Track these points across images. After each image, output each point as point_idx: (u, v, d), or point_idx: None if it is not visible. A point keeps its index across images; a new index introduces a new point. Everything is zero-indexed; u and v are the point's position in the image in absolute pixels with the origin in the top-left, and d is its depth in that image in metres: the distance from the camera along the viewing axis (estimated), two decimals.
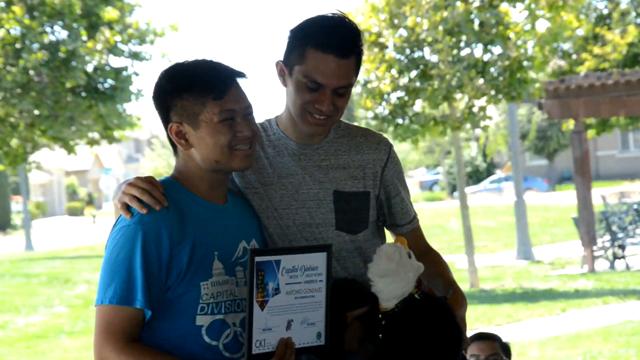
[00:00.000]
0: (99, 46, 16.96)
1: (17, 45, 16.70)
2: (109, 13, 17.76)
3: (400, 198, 3.13)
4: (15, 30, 16.68)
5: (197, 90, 2.70)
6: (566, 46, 22.71)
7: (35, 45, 16.85)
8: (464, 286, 17.51)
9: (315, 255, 2.69)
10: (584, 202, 17.90)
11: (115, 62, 20.19)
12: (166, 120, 2.78)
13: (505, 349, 4.48)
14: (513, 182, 21.90)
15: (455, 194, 46.08)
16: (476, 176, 52.51)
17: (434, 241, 26.53)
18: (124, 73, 18.41)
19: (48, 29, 17.49)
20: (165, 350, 2.63)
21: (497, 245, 24.57)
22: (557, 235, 25.18)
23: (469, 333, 4.82)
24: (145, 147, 66.75)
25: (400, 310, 2.75)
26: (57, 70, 16.78)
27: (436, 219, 30.61)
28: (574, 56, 22.49)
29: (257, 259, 2.57)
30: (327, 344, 2.70)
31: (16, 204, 49.44)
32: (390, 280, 2.75)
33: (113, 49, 18.50)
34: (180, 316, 2.66)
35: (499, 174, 51.03)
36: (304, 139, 3.01)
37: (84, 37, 17.16)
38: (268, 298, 2.59)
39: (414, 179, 72.49)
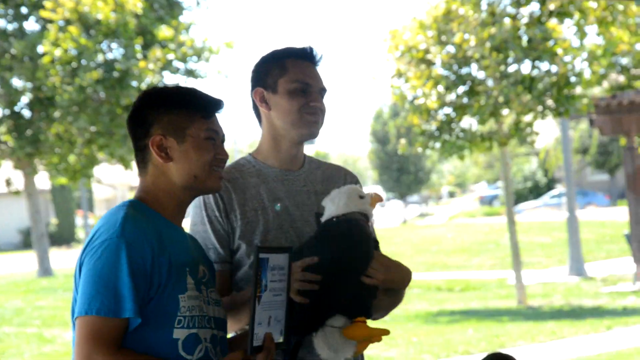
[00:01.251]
0: (151, 65, 17.25)
1: (74, 64, 17.06)
2: (163, 32, 18.05)
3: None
4: (72, 50, 17.04)
5: (187, 107, 2.83)
6: (625, 61, 22.50)
7: (92, 64, 17.17)
8: (511, 303, 17.47)
9: (283, 256, 2.82)
10: (636, 218, 17.71)
11: (170, 79, 20.53)
12: (145, 134, 2.83)
13: None
14: (566, 197, 21.72)
15: (516, 209, 45.76)
16: (536, 191, 51.99)
17: (487, 257, 26.51)
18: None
19: (105, 48, 17.82)
20: None
21: (550, 262, 24.37)
22: (612, 252, 24.90)
23: (498, 350, 4.89)
24: None
25: (318, 228, 2.98)
26: (112, 88, 17.11)
27: (491, 234, 30.42)
28: (632, 71, 22.26)
29: (261, 255, 2.71)
30: (284, 343, 2.82)
31: (81, 219, 50.21)
32: (329, 203, 2.98)
33: (168, 67, 18.80)
34: (159, 328, 2.70)
35: (559, 188, 50.48)
36: (286, 165, 3.22)
37: (139, 55, 17.45)
38: (261, 294, 2.72)
39: (474, 194, 72.07)
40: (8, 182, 19.48)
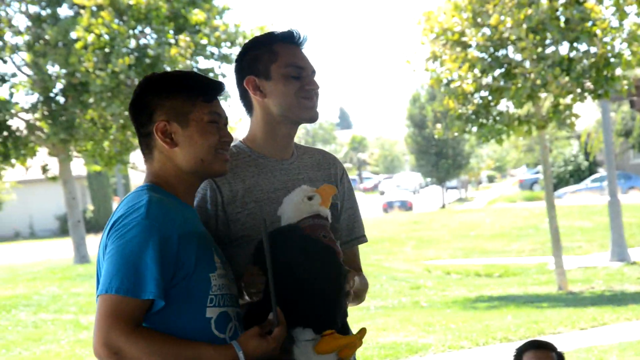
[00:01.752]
0: (183, 50, 17.16)
1: (106, 50, 17.02)
2: (196, 16, 17.95)
3: (353, 210, 3.30)
4: (105, 35, 17.01)
5: (188, 91, 2.84)
6: None
7: (124, 50, 17.13)
8: (551, 288, 17.23)
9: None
10: None
11: (204, 64, 20.43)
12: (148, 121, 2.84)
13: (561, 359, 4.38)
14: (608, 181, 21.39)
15: (556, 193, 45.26)
16: (578, 175, 51.42)
17: (526, 242, 26.24)
18: (210, 75, 18.63)
19: (137, 33, 17.77)
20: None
21: (591, 247, 24.05)
22: None
23: (533, 338, 4.73)
24: None
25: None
26: (144, 74, 17.03)
27: (530, 219, 30.09)
28: None
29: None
30: (276, 319, 2.79)
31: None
32: (286, 210, 2.94)
33: (202, 52, 18.71)
34: (192, 308, 2.72)
35: (601, 172, 49.89)
36: (280, 154, 3.19)
37: (171, 40, 17.39)
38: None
39: (514, 178, 71.54)
40: (44, 169, 19.54)
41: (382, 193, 61.67)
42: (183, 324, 2.70)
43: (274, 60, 3.10)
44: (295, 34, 3.17)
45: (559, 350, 4.42)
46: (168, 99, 2.83)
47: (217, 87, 2.90)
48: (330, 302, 2.86)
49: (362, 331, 2.90)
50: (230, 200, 3.07)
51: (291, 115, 3.13)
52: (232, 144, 3.17)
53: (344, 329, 2.97)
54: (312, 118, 3.17)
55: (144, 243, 2.63)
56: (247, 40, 15.92)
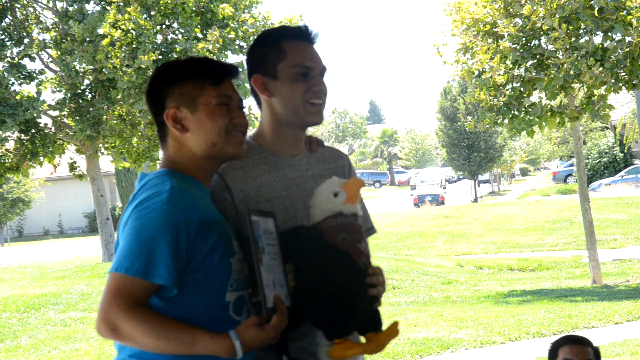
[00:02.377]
0: (210, 45, 17.05)
1: (133, 46, 16.96)
2: (224, 10, 17.85)
3: (362, 204, 3.20)
4: (131, 31, 16.95)
5: (196, 76, 2.86)
6: None
7: (151, 46, 17.06)
8: (586, 282, 16.99)
9: (270, 220, 2.86)
10: None
11: (233, 59, 20.31)
12: (161, 109, 2.88)
13: (597, 353, 4.29)
14: None
15: (591, 185, 44.81)
16: (613, 166, 50.90)
17: (560, 235, 25.97)
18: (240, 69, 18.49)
19: (164, 28, 17.71)
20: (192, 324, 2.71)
21: (627, 240, 23.76)
22: None
23: (568, 333, 4.60)
24: None
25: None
26: None
27: (564, 212, 29.78)
28: None
29: (253, 217, 2.74)
30: (292, 306, 2.80)
31: None
32: (314, 204, 2.93)
33: (230, 45, 18.61)
34: (212, 293, 2.76)
35: (637, 163, 49.34)
36: (290, 151, 3.15)
37: (199, 35, 17.32)
38: (261, 256, 2.73)
39: (548, 171, 71.06)
40: (72, 166, 19.54)
41: (413, 188, 61.54)
42: (203, 309, 2.74)
43: (281, 59, 3.04)
44: (305, 30, 3.10)
45: (594, 345, 4.31)
46: (177, 85, 2.86)
47: (225, 70, 2.90)
48: (340, 310, 2.82)
49: (381, 337, 2.86)
50: (241, 199, 3.03)
51: (296, 119, 3.08)
52: None
53: (370, 327, 2.90)
54: (317, 121, 3.11)
55: (163, 228, 2.65)
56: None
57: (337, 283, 2.81)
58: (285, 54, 3.03)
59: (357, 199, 2.91)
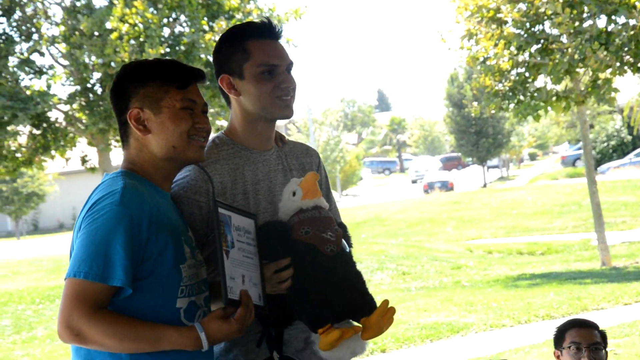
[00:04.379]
0: (217, 37, 17.12)
1: (141, 39, 17.04)
2: (230, 1, 17.91)
3: (330, 199, 3.29)
4: (139, 25, 17.02)
5: (162, 78, 2.85)
6: None
7: (159, 39, 17.13)
8: (595, 264, 17.08)
9: (248, 221, 2.93)
10: None
11: None
12: (125, 108, 2.87)
13: (604, 337, 4.35)
14: None
15: (600, 168, 44.76)
16: (621, 149, 50.82)
17: (569, 219, 26.04)
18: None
19: (171, 21, 17.77)
20: None
21: (636, 221, 23.83)
22: None
23: (576, 316, 4.71)
24: (282, 132, 67.35)
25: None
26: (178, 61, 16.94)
27: (572, 195, 29.83)
28: None
29: (221, 210, 2.78)
30: (265, 307, 2.85)
31: None
32: (280, 207, 3.05)
33: None
34: (163, 299, 2.75)
35: None
36: (262, 146, 3.20)
37: (205, 27, 17.37)
38: (229, 249, 2.77)
39: (556, 155, 70.88)
40: (83, 160, 19.63)
41: (414, 182, 61.68)
42: (153, 314, 2.72)
43: (246, 59, 3.09)
44: (269, 26, 3.13)
45: (601, 328, 4.38)
46: (142, 86, 2.85)
47: (192, 74, 2.89)
48: (314, 300, 2.88)
49: (372, 319, 2.89)
50: (220, 191, 3.08)
51: (266, 114, 3.13)
52: (215, 136, 3.20)
53: (360, 312, 2.94)
54: (287, 116, 3.17)
55: (115, 229, 2.65)
56: (285, 23, 15.55)
57: (305, 275, 2.88)
58: (250, 54, 3.08)
59: (315, 192, 2.99)
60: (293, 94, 3.15)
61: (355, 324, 2.95)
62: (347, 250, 3.01)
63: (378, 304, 2.95)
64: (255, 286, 2.84)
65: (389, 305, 2.93)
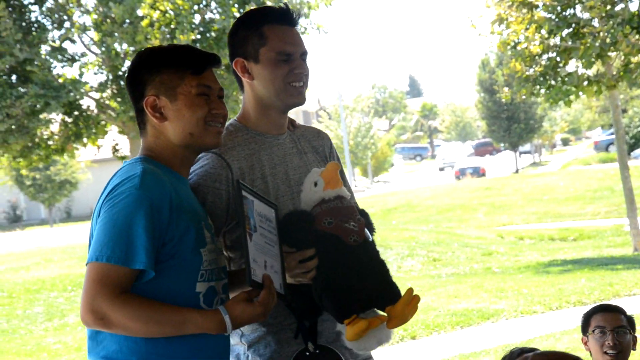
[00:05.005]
0: None
1: (172, 26, 17.09)
2: None
3: (345, 183, 3.22)
4: (170, 11, 17.08)
5: (177, 65, 2.85)
6: None
7: (189, 25, 17.17)
8: (627, 250, 16.96)
9: (269, 209, 2.93)
10: None
11: None
12: (141, 96, 2.87)
13: (631, 321, 4.33)
14: None
15: (633, 154, 44.41)
16: None
17: (601, 204, 25.86)
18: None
19: (202, 8, 17.80)
20: None
21: None
22: None
23: (608, 302, 4.69)
24: (314, 119, 67.47)
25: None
26: (209, 49, 17.07)
27: (605, 181, 29.63)
28: None
29: (244, 193, 2.78)
30: (287, 295, 2.85)
31: None
32: (302, 197, 3.03)
33: None
34: (183, 282, 2.75)
35: None
36: (275, 131, 3.21)
37: (236, 14, 17.38)
38: (252, 232, 2.76)
39: (589, 140, 70.36)
40: (115, 149, 19.73)
41: (441, 169, 61.40)
42: (173, 297, 2.72)
43: (263, 43, 3.08)
44: (287, 13, 3.12)
45: (628, 314, 4.35)
46: (158, 73, 2.85)
47: (207, 60, 2.88)
48: (338, 290, 2.87)
49: (397, 308, 2.87)
50: (238, 177, 3.06)
51: (278, 101, 3.13)
52: (228, 123, 3.18)
53: (385, 301, 2.93)
54: (299, 102, 3.17)
55: (136, 212, 2.65)
56: (315, 10, 15.49)
57: (329, 266, 2.87)
58: (267, 39, 3.08)
59: (337, 182, 2.98)
60: (306, 81, 3.16)
61: (381, 313, 2.93)
62: (370, 239, 2.99)
63: (402, 292, 2.93)
64: (276, 274, 2.83)
65: (413, 294, 2.91)
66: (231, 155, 3.09)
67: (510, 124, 49.48)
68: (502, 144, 52.90)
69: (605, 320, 4.23)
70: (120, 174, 2.79)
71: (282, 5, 3.14)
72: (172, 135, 2.85)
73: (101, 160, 43.77)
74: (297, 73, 3.10)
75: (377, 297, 2.90)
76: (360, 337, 2.84)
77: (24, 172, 21.31)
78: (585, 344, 4.28)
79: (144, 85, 2.86)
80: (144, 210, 2.66)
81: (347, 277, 2.87)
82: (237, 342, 3.13)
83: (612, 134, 55.55)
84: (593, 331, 4.21)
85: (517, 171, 49.99)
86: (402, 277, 15.39)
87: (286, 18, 3.12)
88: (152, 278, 2.69)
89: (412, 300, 2.89)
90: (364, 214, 3.08)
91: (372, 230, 3.06)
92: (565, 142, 77.50)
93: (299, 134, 3.31)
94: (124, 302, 2.62)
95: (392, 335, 2.97)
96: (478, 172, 49.29)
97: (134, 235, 2.64)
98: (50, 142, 18.79)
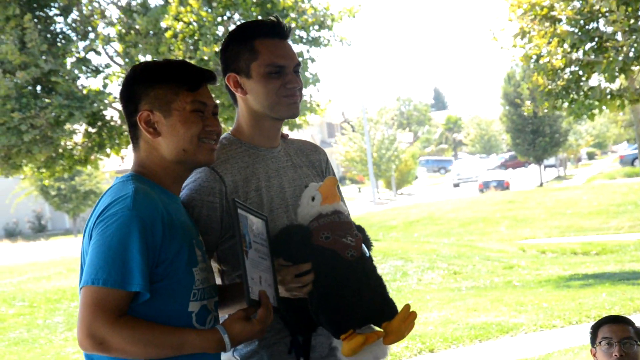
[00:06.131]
0: None
1: (195, 38, 17.20)
2: (284, 0, 17.99)
3: (340, 195, 3.23)
4: (193, 23, 17.19)
5: (172, 80, 2.84)
6: None
7: (212, 37, 17.27)
8: None
9: (260, 221, 2.93)
10: None
11: (293, 48, 20.38)
12: (135, 110, 2.86)
13: (639, 333, 4.32)
14: None
15: None
16: None
17: (625, 218, 25.71)
18: (299, 59, 18.52)
19: (225, 20, 17.89)
20: None
21: None
22: None
23: (629, 317, 4.67)
24: (337, 131, 67.39)
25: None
26: None
27: (629, 195, 29.46)
28: None
29: (240, 211, 2.78)
30: (280, 308, 2.85)
31: None
32: (299, 212, 3.02)
33: (290, 36, 18.64)
34: (177, 301, 2.74)
35: None
36: (269, 143, 3.22)
37: None
38: (247, 250, 2.76)
39: (615, 155, 69.98)
40: None
41: (456, 185, 61.01)
42: (166, 317, 2.70)
43: (254, 58, 3.09)
44: (277, 26, 3.12)
45: (637, 325, 4.35)
46: (152, 88, 2.83)
47: (202, 76, 2.87)
48: (335, 306, 2.85)
49: (394, 324, 2.86)
50: (232, 190, 3.08)
51: (272, 114, 3.14)
52: (222, 137, 3.16)
53: (381, 317, 2.92)
54: (293, 115, 3.17)
55: (130, 234, 2.62)
56: (339, 22, 15.52)
57: (326, 281, 2.85)
58: (258, 53, 3.08)
59: (334, 197, 2.97)
60: (299, 94, 3.17)
61: (377, 328, 2.92)
62: (367, 254, 2.98)
63: (399, 309, 2.92)
64: (270, 287, 2.84)
65: (410, 310, 2.90)
66: (224, 168, 3.09)
67: (535, 138, 49.33)
68: (526, 158, 52.73)
69: (613, 331, 4.24)
70: (111, 193, 2.77)
71: (272, 18, 3.14)
72: (165, 151, 2.84)
73: (125, 170, 43.90)
74: (289, 87, 3.11)
75: (374, 312, 2.89)
76: (356, 353, 2.82)
77: (46, 182, 21.59)
78: (594, 355, 4.28)
79: (138, 100, 2.85)
80: (138, 231, 2.64)
81: (343, 292, 2.85)
82: (230, 357, 3.12)
83: (637, 148, 55.28)
84: (600, 342, 4.21)
85: (541, 185, 49.80)
86: (422, 289, 15.35)
87: (277, 31, 3.12)
88: (147, 299, 2.67)
89: (409, 317, 2.88)
90: (361, 230, 3.06)
91: (369, 245, 3.05)
92: (591, 156, 77.17)
93: (295, 147, 3.33)
94: (123, 326, 2.60)
95: (388, 352, 2.95)
96: (502, 185, 49.14)
97: (129, 258, 2.62)
98: (74, 153, 18.92)
